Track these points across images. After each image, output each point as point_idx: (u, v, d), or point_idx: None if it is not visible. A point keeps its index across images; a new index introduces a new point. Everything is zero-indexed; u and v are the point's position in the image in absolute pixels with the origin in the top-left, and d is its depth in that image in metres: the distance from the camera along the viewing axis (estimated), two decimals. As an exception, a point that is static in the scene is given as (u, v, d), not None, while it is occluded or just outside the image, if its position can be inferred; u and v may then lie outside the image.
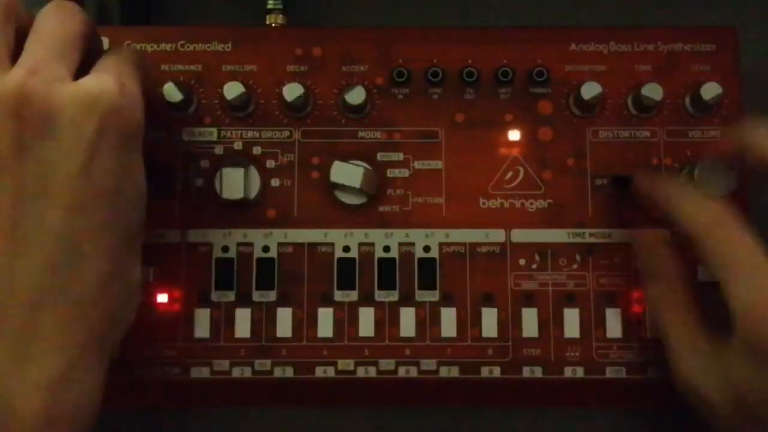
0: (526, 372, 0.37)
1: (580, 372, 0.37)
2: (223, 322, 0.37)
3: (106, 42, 0.39)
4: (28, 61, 0.30)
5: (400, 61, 0.39)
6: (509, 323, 0.37)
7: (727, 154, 0.36)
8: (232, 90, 0.37)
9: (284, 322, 0.37)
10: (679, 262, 0.36)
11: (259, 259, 0.38)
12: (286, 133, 0.39)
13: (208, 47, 0.39)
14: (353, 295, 0.37)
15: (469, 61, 0.39)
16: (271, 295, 0.37)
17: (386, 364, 0.37)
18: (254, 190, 0.38)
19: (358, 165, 0.37)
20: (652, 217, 0.37)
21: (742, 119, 0.38)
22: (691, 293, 0.35)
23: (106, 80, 0.30)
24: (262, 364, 0.37)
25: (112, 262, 0.30)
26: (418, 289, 0.37)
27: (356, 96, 0.38)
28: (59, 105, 0.29)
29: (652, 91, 0.37)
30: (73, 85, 0.30)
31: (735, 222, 0.32)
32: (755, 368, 0.31)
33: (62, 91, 0.30)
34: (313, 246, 0.38)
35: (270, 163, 0.38)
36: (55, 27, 0.31)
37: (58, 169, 0.29)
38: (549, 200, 0.38)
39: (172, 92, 0.37)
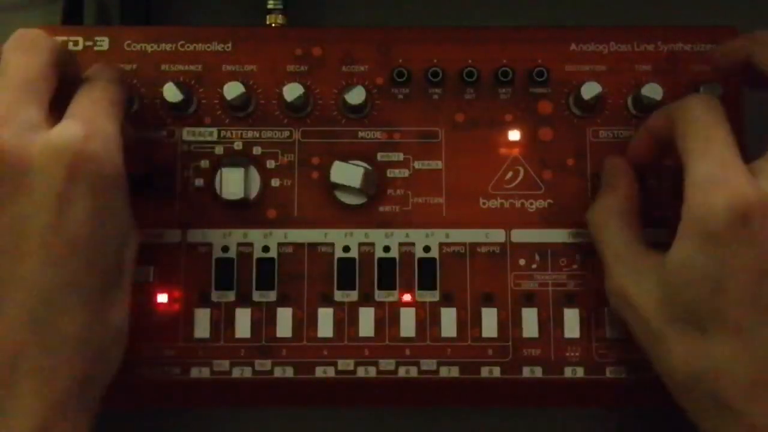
0: (526, 372, 0.37)
1: (580, 372, 0.37)
2: (223, 322, 0.37)
3: (106, 42, 0.39)
4: None
5: (400, 61, 0.39)
6: (509, 323, 0.37)
7: (732, 62, 0.36)
8: (232, 90, 0.37)
9: (284, 322, 0.37)
10: (636, 183, 0.36)
11: (259, 259, 0.38)
12: (286, 133, 0.39)
13: (208, 47, 0.39)
14: (353, 295, 0.37)
15: (469, 61, 0.39)
16: (271, 295, 0.37)
17: (386, 364, 0.37)
18: (254, 190, 0.38)
19: (358, 165, 0.37)
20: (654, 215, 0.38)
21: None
22: (639, 214, 0.36)
23: (74, 128, 0.30)
24: (262, 364, 0.37)
25: (92, 310, 0.30)
26: (419, 289, 0.37)
27: (356, 96, 0.38)
28: (29, 159, 0.29)
29: (652, 91, 0.37)
30: (44, 136, 0.29)
31: (719, 111, 0.32)
32: (697, 250, 0.31)
33: (33, 144, 0.29)
34: (313, 246, 0.38)
35: (270, 163, 0.38)
36: (20, 64, 0.30)
37: (31, 223, 0.29)
38: (549, 200, 0.38)
39: (172, 92, 0.37)
